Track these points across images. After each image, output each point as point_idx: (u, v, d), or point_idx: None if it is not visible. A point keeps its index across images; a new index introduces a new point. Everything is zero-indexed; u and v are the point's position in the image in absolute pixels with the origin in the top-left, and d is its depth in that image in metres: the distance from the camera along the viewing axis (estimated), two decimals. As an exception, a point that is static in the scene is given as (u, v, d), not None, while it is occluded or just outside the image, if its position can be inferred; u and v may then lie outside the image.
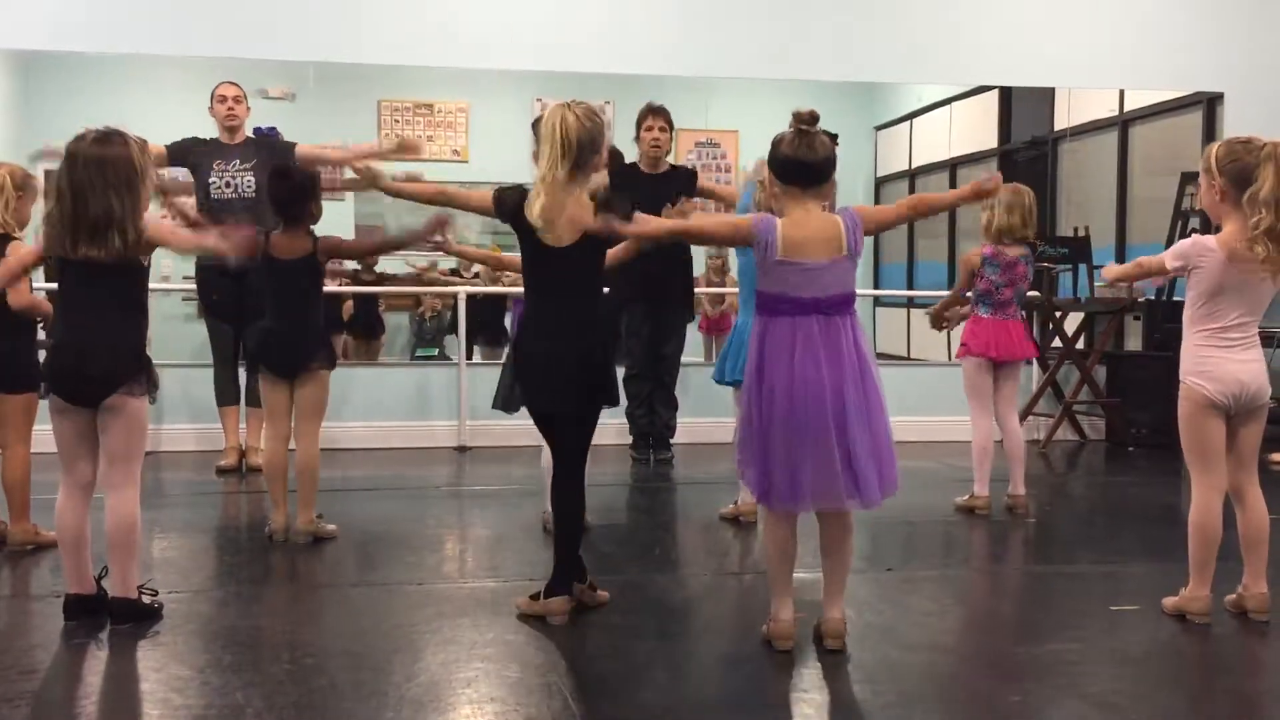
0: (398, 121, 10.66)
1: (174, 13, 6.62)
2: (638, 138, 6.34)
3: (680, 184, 6.27)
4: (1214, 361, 3.41)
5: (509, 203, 3.38)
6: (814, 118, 3.16)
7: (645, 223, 3.32)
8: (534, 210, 3.33)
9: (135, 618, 3.41)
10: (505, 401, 3.77)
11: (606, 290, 4.70)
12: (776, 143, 3.18)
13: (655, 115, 6.32)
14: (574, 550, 3.52)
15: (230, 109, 6.05)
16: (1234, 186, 3.37)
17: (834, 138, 3.18)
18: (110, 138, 3.34)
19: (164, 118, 7.19)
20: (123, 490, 3.40)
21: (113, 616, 3.40)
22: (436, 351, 9.23)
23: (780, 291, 3.10)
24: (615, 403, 3.56)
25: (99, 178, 3.27)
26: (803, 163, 3.12)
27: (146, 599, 3.49)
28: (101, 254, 3.29)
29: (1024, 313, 5.17)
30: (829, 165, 3.15)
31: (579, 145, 3.31)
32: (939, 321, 5.46)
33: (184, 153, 6.04)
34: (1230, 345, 3.42)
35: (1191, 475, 3.52)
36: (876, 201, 11.62)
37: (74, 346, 3.39)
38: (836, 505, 3.12)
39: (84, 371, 3.35)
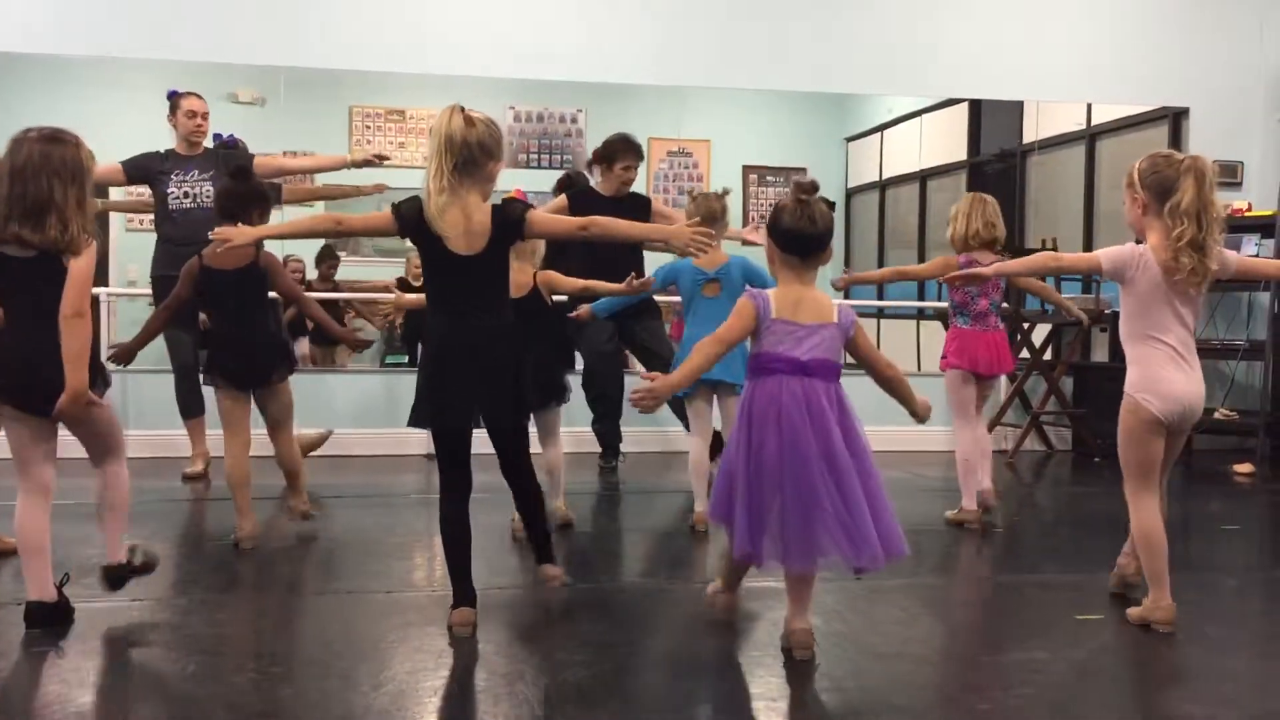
0: (369, 128, 10.64)
1: (143, 16, 6.58)
2: (610, 169, 6.14)
3: (635, 211, 6.21)
4: (1167, 382, 3.45)
5: (408, 215, 3.30)
6: (814, 187, 3.23)
7: (671, 379, 3.17)
8: (430, 215, 3.26)
9: (128, 577, 3.55)
10: (419, 417, 3.55)
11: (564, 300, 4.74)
12: (778, 212, 3.22)
13: (628, 154, 6.09)
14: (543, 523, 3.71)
15: (199, 124, 6.03)
16: (1155, 199, 3.44)
17: (831, 205, 3.26)
18: (59, 135, 3.33)
19: (132, 121, 7.15)
20: (113, 465, 3.52)
21: (111, 583, 3.53)
22: (406, 358, 9.19)
23: (771, 351, 3.15)
24: (524, 414, 3.51)
25: (43, 164, 3.26)
26: (803, 235, 3.18)
27: (137, 560, 3.58)
28: (36, 238, 3.25)
29: (1003, 323, 5.20)
30: (827, 236, 3.22)
31: (464, 147, 3.23)
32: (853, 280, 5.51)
33: (141, 169, 5.99)
34: (1177, 360, 3.45)
35: (1128, 487, 3.55)
36: (847, 214, 11.70)
37: (21, 357, 3.34)
38: (809, 567, 3.15)
39: (32, 384, 3.31)
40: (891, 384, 3.35)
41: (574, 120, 10.64)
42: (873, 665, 3.24)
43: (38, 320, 3.31)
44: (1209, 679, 3.30)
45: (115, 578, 3.55)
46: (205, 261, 4.41)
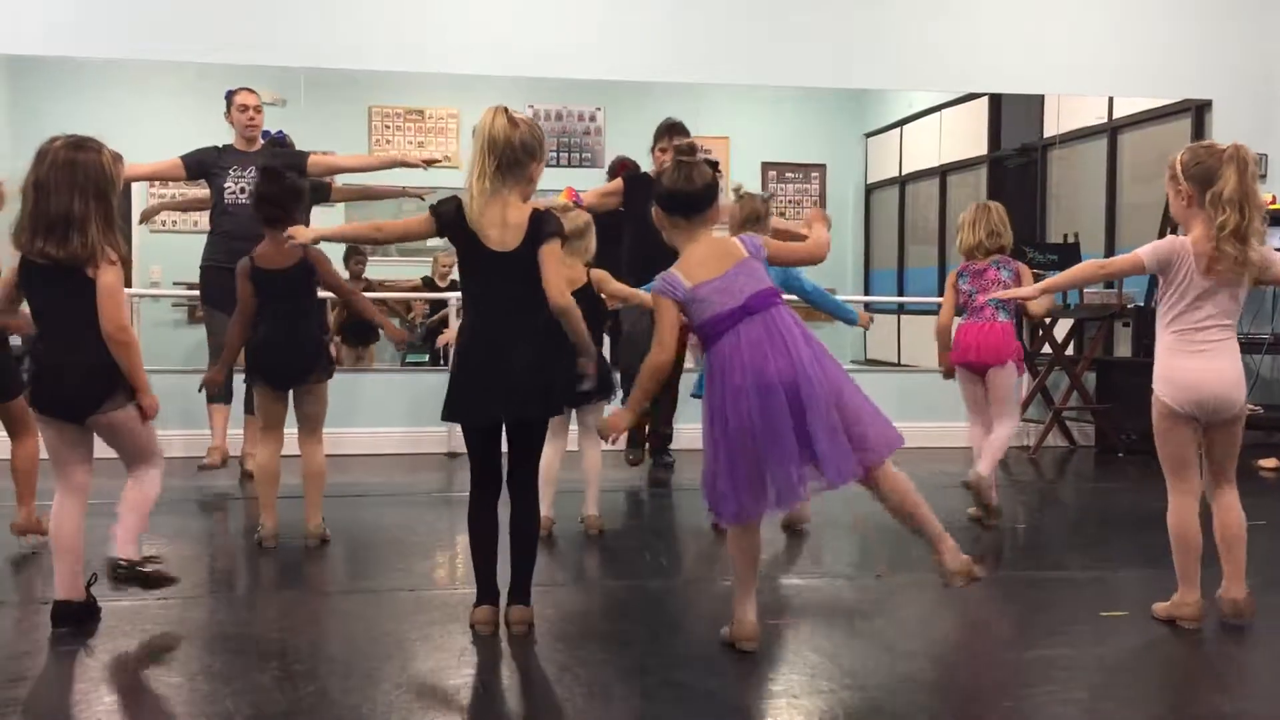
0: (388, 128, 10.68)
1: (165, 19, 6.62)
2: (652, 152, 6.25)
3: None
4: (1181, 370, 3.41)
5: (446, 215, 3.33)
6: (693, 149, 3.30)
7: (627, 411, 3.22)
8: (471, 215, 3.29)
9: (134, 579, 3.44)
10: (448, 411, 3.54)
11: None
12: (657, 178, 3.28)
13: (665, 136, 6.14)
14: (530, 564, 3.47)
15: (251, 118, 6.09)
16: (1200, 189, 3.39)
17: (714, 165, 3.30)
18: (84, 143, 3.34)
19: (154, 123, 7.20)
20: (145, 475, 3.48)
21: (113, 578, 3.42)
22: (427, 357, 9.23)
23: (709, 315, 3.15)
24: (558, 411, 3.51)
25: (65, 178, 3.27)
26: (682, 193, 3.22)
27: (150, 569, 3.49)
28: (59, 253, 3.27)
29: (1007, 316, 5.11)
30: (709, 193, 3.25)
31: (507, 148, 3.27)
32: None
33: (200, 164, 6.06)
34: (1202, 351, 3.40)
35: (1167, 481, 3.53)
36: (867, 210, 11.67)
37: (50, 367, 3.37)
38: (797, 499, 3.16)
39: (62, 394, 3.35)
40: (811, 257, 3.39)
41: (592, 118, 10.65)
42: (895, 663, 3.23)
43: (66, 331, 3.35)
44: (1234, 675, 3.28)
45: (120, 574, 3.42)
46: (257, 262, 4.44)
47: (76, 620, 3.41)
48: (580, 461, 4.79)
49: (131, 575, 3.44)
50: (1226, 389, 3.42)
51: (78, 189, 3.27)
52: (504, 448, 3.46)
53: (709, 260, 3.19)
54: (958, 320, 5.14)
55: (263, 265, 4.45)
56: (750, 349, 3.10)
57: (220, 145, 6.11)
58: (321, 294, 4.85)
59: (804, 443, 3.07)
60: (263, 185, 4.54)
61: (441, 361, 8.39)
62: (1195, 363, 3.41)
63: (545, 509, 4.72)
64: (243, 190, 5.96)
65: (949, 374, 5.16)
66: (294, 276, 4.45)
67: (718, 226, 4.42)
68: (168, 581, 3.53)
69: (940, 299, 5.29)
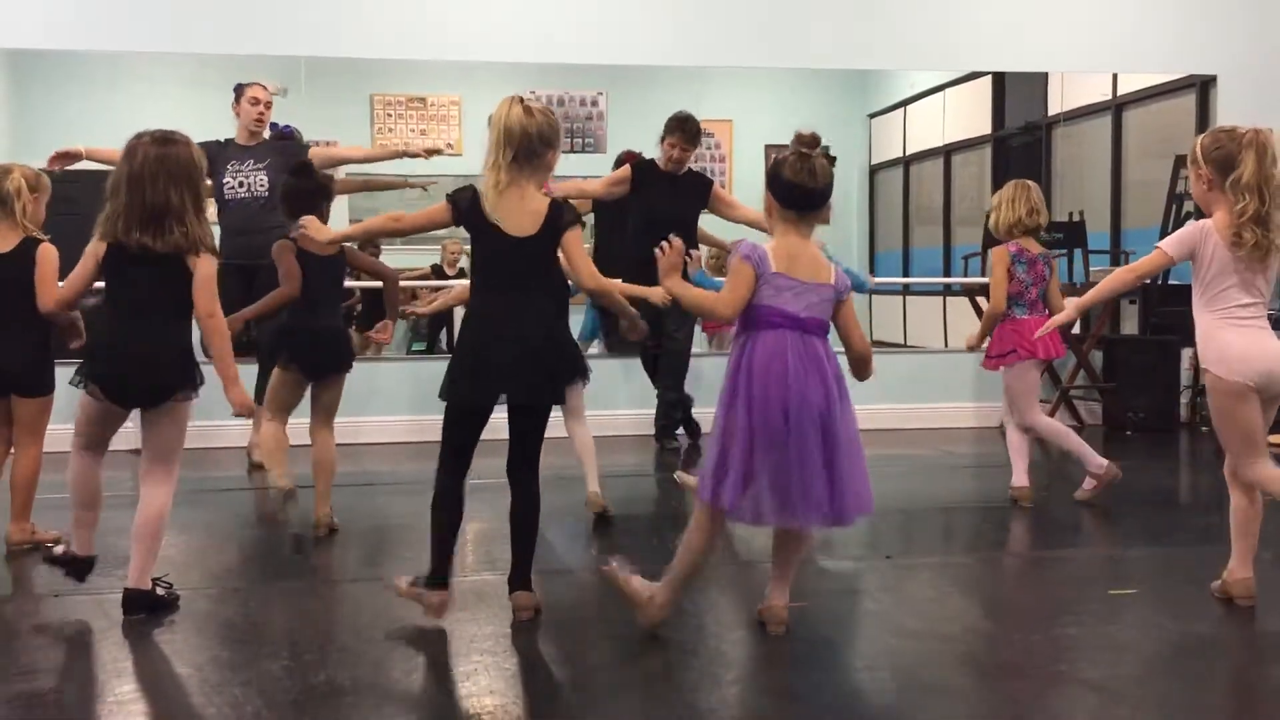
0: (390, 116, 10.65)
1: (165, 9, 6.60)
2: (660, 143, 6.24)
3: (695, 190, 6.22)
4: (1232, 346, 3.38)
5: (463, 203, 3.34)
6: (815, 140, 3.23)
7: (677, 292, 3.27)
8: (488, 205, 3.29)
9: (149, 608, 3.44)
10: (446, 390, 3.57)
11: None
12: (778, 165, 3.19)
13: (676, 132, 6.13)
14: (531, 548, 3.50)
15: (261, 113, 6.07)
16: (1220, 174, 3.39)
17: (832, 160, 3.22)
18: (171, 137, 3.40)
19: (156, 115, 7.15)
20: (161, 486, 3.46)
21: (127, 607, 3.42)
22: (425, 345, 9.25)
23: (773, 305, 3.12)
24: (560, 400, 3.51)
25: (160, 170, 3.31)
26: (804, 188, 3.15)
27: (161, 590, 3.51)
28: (158, 244, 3.31)
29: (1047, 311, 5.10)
30: (828, 192, 3.19)
31: (524, 137, 3.27)
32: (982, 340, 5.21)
33: (206, 158, 6.02)
34: (1245, 327, 3.38)
35: (1236, 462, 3.43)
36: (871, 191, 11.63)
37: (128, 355, 3.39)
38: (809, 522, 3.14)
39: (139, 381, 3.38)
40: (859, 360, 3.26)
41: (594, 103, 10.62)
42: (904, 644, 3.23)
43: (143, 319, 3.39)
44: (1243, 654, 3.28)
45: (134, 604, 3.43)
46: (299, 244, 4.37)
47: (81, 570, 3.56)
48: (571, 444, 4.76)
49: (145, 604, 3.44)
50: (1276, 360, 3.38)
51: (172, 180, 3.32)
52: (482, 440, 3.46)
53: (801, 262, 3.14)
54: (1015, 312, 5.00)
55: (303, 248, 4.37)
56: (795, 367, 3.07)
57: (223, 140, 6.09)
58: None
59: (826, 469, 3.06)
60: (290, 181, 4.51)
61: (446, 349, 8.40)
62: (1244, 338, 3.38)
63: (596, 490, 4.73)
64: (241, 184, 5.94)
65: (974, 346, 5.19)
66: (333, 264, 4.43)
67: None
68: (175, 603, 3.53)
69: (942, 279, 5.28)
